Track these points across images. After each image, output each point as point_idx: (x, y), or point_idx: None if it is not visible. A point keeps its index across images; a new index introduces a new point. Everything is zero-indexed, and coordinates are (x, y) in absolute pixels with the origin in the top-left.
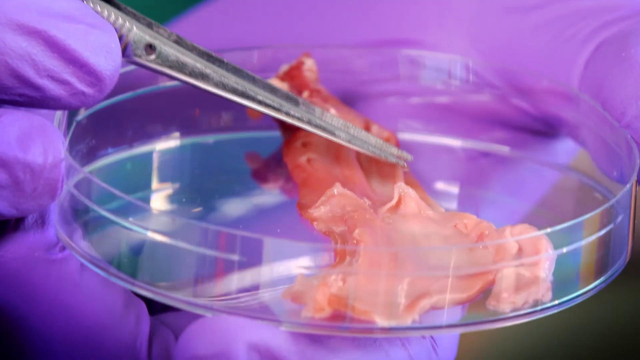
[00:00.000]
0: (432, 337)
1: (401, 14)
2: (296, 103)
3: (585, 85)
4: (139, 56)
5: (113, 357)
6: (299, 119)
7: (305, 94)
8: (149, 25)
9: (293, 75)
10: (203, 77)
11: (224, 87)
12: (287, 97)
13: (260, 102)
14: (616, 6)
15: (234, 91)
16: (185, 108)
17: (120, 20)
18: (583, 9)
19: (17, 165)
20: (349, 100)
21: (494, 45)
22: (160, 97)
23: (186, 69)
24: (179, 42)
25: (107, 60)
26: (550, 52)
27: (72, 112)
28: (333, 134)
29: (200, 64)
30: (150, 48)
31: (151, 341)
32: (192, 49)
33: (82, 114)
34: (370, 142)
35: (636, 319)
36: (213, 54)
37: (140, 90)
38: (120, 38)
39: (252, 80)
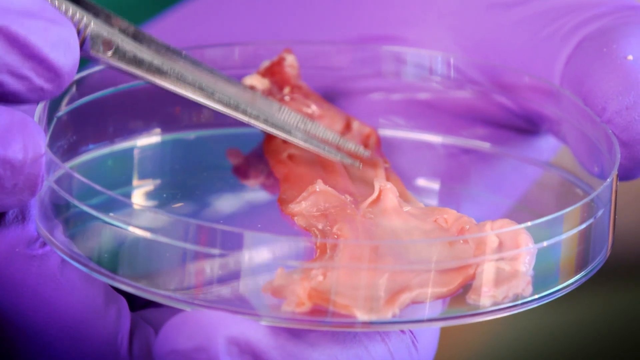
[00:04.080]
0: (412, 332)
1: (383, 11)
2: (254, 99)
3: (566, 82)
4: (97, 51)
5: (94, 352)
6: (255, 117)
7: (287, 90)
8: (107, 18)
9: (274, 72)
10: (160, 73)
11: (182, 86)
12: (244, 92)
13: (217, 101)
14: (597, 3)
15: (193, 91)
16: (166, 104)
17: (77, 15)
18: (564, 6)
19: None
20: (330, 96)
21: (475, 41)
22: (140, 93)
23: (143, 65)
24: (137, 35)
25: (66, 56)
26: (531, 48)
27: (53, 108)
28: (289, 132)
29: (157, 61)
30: (107, 44)
31: (132, 337)
32: (149, 41)
33: (63, 110)
34: (328, 137)
35: (629, 320)
36: (172, 47)
37: (121, 87)
38: (78, 33)
39: (211, 73)
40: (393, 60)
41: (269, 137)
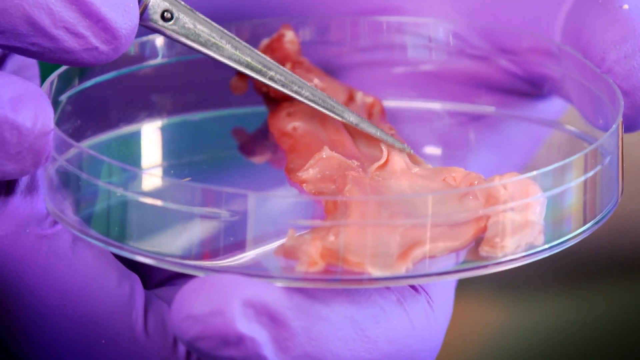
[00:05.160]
0: (427, 292)
1: None
2: (305, 83)
3: (566, 38)
4: (156, 21)
5: (108, 330)
6: (308, 97)
7: (288, 65)
8: None
9: (274, 48)
10: (217, 47)
11: (238, 60)
12: (297, 78)
13: (271, 78)
14: None
15: (247, 65)
16: (169, 87)
17: None
18: None
19: (5, 124)
20: (332, 71)
21: (473, 6)
22: (145, 76)
23: (201, 38)
24: (195, 14)
25: (124, 19)
26: (529, 9)
27: (57, 91)
28: (342, 115)
29: (216, 34)
30: (167, 14)
31: (147, 313)
32: (207, 22)
33: (67, 93)
34: (378, 128)
35: (631, 319)
36: (226, 31)
37: (124, 70)
38: (139, 1)
39: (264, 59)
40: (393, 31)
41: (273, 113)
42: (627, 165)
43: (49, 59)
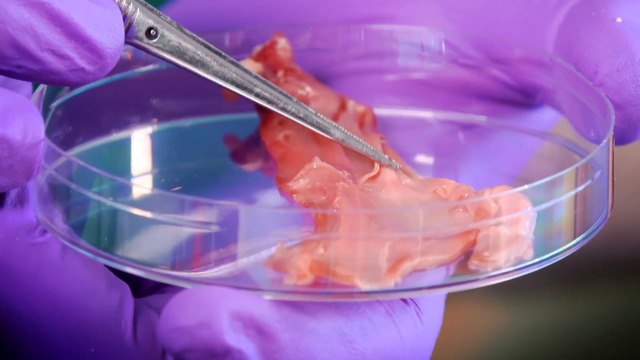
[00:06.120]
0: (416, 304)
1: None
2: (291, 99)
3: (559, 50)
4: (141, 39)
5: (97, 338)
6: (294, 114)
7: (280, 73)
8: (152, 11)
9: (267, 55)
10: (203, 65)
11: (223, 76)
12: (283, 93)
13: (257, 95)
14: None
15: (233, 82)
16: (160, 93)
17: (124, 1)
18: None
19: None
20: (324, 78)
21: (467, 15)
22: (135, 82)
23: (186, 55)
24: (180, 30)
25: (109, 38)
26: (523, 20)
27: (48, 99)
28: (328, 131)
29: (200, 51)
30: (152, 31)
31: (136, 322)
32: (192, 38)
33: (58, 100)
34: (364, 144)
35: (630, 319)
36: (212, 47)
37: (115, 76)
38: (124, 18)
39: (249, 74)
40: (385, 39)
41: (264, 120)
42: (625, 166)
43: (35, 80)
